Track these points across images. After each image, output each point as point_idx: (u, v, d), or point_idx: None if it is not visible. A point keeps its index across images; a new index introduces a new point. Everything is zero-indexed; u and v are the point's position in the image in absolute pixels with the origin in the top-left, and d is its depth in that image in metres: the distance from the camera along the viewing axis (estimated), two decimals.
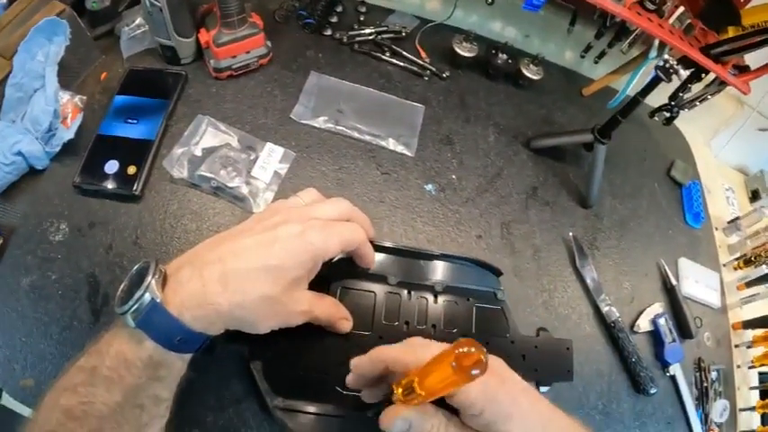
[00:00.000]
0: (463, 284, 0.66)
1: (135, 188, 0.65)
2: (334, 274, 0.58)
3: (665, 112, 0.92)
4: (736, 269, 0.96)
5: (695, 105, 0.91)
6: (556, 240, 0.80)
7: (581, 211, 0.85)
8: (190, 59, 0.79)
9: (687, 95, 0.90)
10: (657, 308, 0.82)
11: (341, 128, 0.77)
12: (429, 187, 0.77)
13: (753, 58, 0.80)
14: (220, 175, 0.68)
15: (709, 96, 0.89)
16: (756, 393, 0.86)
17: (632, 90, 0.81)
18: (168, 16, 0.70)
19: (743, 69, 0.86)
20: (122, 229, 0.64)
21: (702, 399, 0.80)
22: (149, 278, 0.40)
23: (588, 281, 0.78)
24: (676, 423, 0.76)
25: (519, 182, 0.82)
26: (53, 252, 0.60)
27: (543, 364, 0.67)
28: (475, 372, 0.34)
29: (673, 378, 0.79)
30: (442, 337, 0.54)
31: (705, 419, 0.79)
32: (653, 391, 0.74)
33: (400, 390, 0.39)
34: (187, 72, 0.77)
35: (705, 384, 0.82)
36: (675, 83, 0.86)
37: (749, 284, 0.93)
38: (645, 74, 0.82)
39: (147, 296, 0.40)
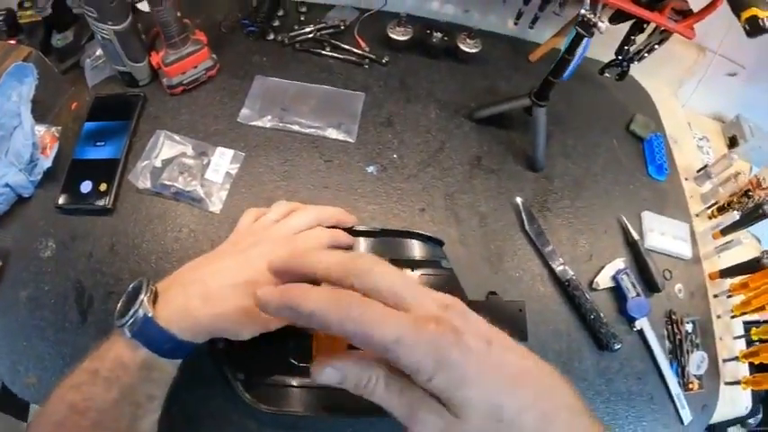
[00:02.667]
0: (406, 257, 0.70)
1: (107, 203, 0.74)
2: None
3: (615, 68, 0.93)
4: (710, 218, 0.97)
5: (644, 57, 0.92)
6: (503, 206, 0.83)
7: (530, 175, 0.88)
8: (147, 80, 0.87)
9: (633, 48, 0.91)
10: (619, 263, 0.84)
11: (284, 124, 0.84)
12: (371, 168, 0.82)
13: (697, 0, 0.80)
14: (178, 181, 0.76)
15: (656, 46, 0.90)
16: (742, 343, 0.87)
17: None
18: (119, 46, 0.79)
19: (686, 13, 0.85)
20: (100, 239, 0.73)
21: (676, 352, 0.82)
22: (142, 296, 0.48)
23: (538, 243, 0.79)
24: (648, 377, 0.77)
25: (462, 153, 0.86)
26: (44, 266, 0.70)
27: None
28: None
29: (641, 332, 0.80)
30: None
31: (682, 372, 0.80)
32: (617, 346, 0.76)
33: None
34: (145, 93, 0.86)
35: (679, 337, 0.82)
36: (620, 36, 0.87)
37: (724, 232, 0.93)
38: None
39: (141, 311, 0.48)
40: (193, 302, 0.49)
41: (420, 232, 0.72)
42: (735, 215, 0.91)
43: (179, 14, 0.79)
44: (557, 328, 0.76)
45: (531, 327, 0.73)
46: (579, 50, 0.79)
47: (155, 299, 0.49)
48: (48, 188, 0.75)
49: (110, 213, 0.74)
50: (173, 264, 0.71)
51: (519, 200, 0.82)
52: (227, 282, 0.51)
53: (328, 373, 0.36)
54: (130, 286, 0.51)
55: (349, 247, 0.66)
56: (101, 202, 0.73)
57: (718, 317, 0.88)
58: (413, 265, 0.69)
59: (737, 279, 0.87)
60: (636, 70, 1.01)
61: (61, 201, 0.74)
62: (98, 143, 0.79)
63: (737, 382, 0.82)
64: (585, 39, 0.74)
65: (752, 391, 0.83)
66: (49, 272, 0.69)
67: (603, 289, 0.81)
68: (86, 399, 0.47)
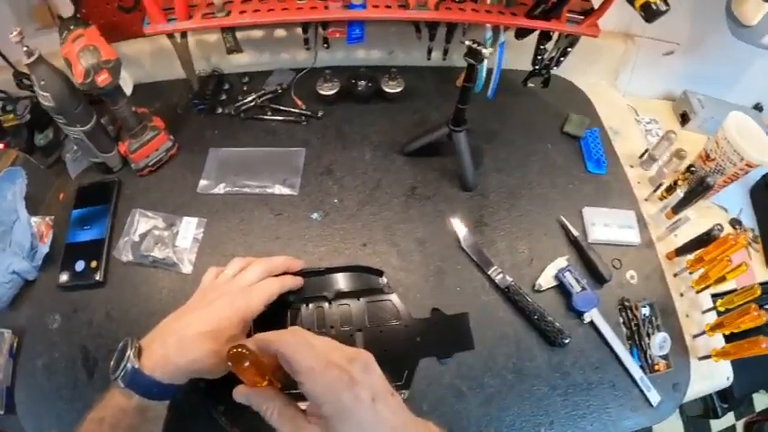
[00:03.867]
0: (351, 289, 0.83)
1: (98, 277, 0.87)
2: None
3: (537, 77, 0.99)
4: (661, 199, 1.00)
5: (561, 61, 0.99)
6: (440, 229, 0.92)
7: (464, 195, 0.97)
8: (119, 167, 1.01)
9: (546, 56, 0.97)
10: (561, 262, 0.90)
11: (237, 188, 0.97)
12: (315, 215, 0.93)
13: None
14: (154, 251, 0.90)
15: (568, 49, 0.96)
16: (713, 316, 0.89)
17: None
18: (89, 143, 0.93)
19: (587, 13, 0.90)
20: (97, 308, 0.85)
21: (635, 337, 0.85)
22: (129, 352, 0.60)
23: (475, 257, 0.86)
24: (607, 366, 0.82)
25: (397, 187, 0.96)
26: (53, 337, 0.83)
27: (441, 340, 0.81)
28: (246, 364, 0.52)
29: (593, 324, 0.85)
30: (340, 336, 0.76)
31: (644, 356, 0.84)
32: (566, 341, 0.82)
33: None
34: (119, 177, 1.00)
35: (635, 322, 0.86)
36: (529, 49, 0.93)
37: (675, 210, 0.97)
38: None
39: (129, 365, 0.59)
40: (171, 351, 0.61)
41: (360, 265, 0.84)
42: (679, 194, 0.94)
43: (134, 110, 0.93)
44: (503, 332, 0.83)
45: (477, 334, 0.81)
46: (495, 74, 0.86)
47: (139, 353, 0.61)
48: (48, 270, 0.88)
49: (102, 286, 0.87)
50: (158, 321, 0.78)
51: (453, 220, 0.90)
52: (199, 330, 0.63)
53: (240, 398, 0.55)
54: (120, 345, 0.63)
55: (299, 289, 0.78)
56: (94, 278, 0.87)
57: (681, 294, 0.91)
58: (358, 294, 0.81)
59: (693, 255, 0.90)
60: (567, 70, 1.07)
61: (61, 280, 0.87)
62: (85, 227, 0.93)
63: (710, 356, 0.85)
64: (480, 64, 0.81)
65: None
66: (58, 341, 0.82)
67: (547, 289, 0.87)
68: None
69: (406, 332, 0.79)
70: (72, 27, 0.87)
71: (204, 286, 0.73)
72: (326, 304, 0.79)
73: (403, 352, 0.78)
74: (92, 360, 0.79)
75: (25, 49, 0.76)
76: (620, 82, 1.19)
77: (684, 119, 1.17)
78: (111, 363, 0.61)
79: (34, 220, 0.90)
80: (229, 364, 0.51)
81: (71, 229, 0.93)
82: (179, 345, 0.62)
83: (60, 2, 0.99)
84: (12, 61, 1.02)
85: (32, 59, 0.78)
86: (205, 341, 0.62)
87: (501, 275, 0.86)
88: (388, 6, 0.87)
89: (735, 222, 1.10)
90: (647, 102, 1.20)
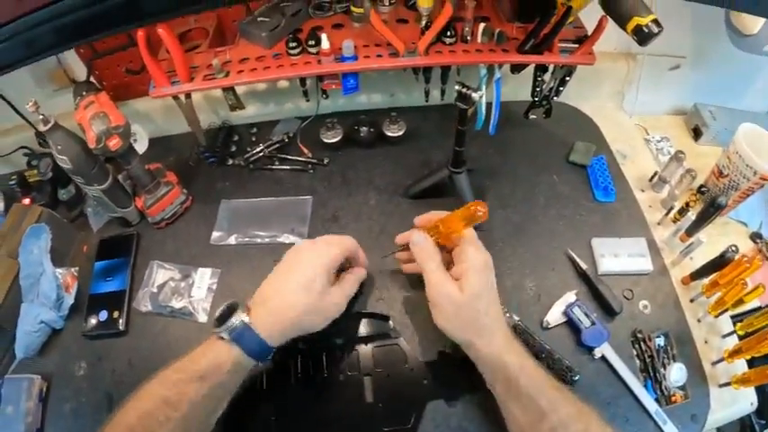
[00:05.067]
0: (360, 333, 0.87)
1: (121, 327, 0.93)
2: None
3: (538, 108, 1.00)
4: (674, 221, 0.99)
5: (560, 91, 0.99)
6: None
7: None
8: (137, 220, 1.08)
9: (545, 86, 0.98)
10: (570, 297, 0.90)
11: (248, 239, 1.02)
12: None
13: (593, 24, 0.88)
14: (171, 301, 0.95)
15: (567, 78, 0.96)
16: (734, 340, 0.87)
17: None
18: (107, 200, 1.00)
19: (581, 40, 0.91)
20: (120, 357, 0.91)
21: (648, 369, 0.84)
22: (239, 310, 0.69)
23: None
24: (621, 401, 0.81)
25: (402, 230, 0.96)
26: (80, 384, 0.89)
27: (449, 383, 0.82)
28: (479, 213, 0.70)
29: (604, 359, 0.84)
30: (349, 382, 0.80)
31: (660, 388, 0.83)
32: (576, 378, 0.82)
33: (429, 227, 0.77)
34: (138, 231, 1.06)
35: (649, 354, 0.85)
36: (528, 78, 0.94)
37: (689, 233, 0.96)
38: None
39: (239, 321, 0.67)
40: (274, 310, 0.70)
41: (367, 312, 0.88)
42: (691, 216, 0.93)
43: (147, 167, 1.00)
44: None
45: None
46: (494, 110, 0.88)
47: (248, 312, 0.69)
48: (75, 320, 0.95)
49: (124, 335, 0.92)
50: None
51: None
52: (292, 287, 0.72)
53: (417, 234, 0.76)
54: (225, 305, 0.71)
55: (309, 337, 0.80)
56: (116, 327, 0.93)
57: (699, 320, 0.90)
58: (365, 340, 0.85)
59: (708, 279, 0.89)
60: (570, 96, 1.07)
61: (86, 329, 0.93)
62: (108, 278, 0.99)
63: (730, 383, 0.83)
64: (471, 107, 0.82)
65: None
66: (84, 387, 0.88)
67: (556, 326, 0.88)
68: (180, 393, 0.64)
69: (414, 376, 0.82)
70: (84, 93, 0.95)
71: (288, 254, 0.79)
72: (336, 351, 0.83)
73: (410, 395, 0.80)
74: (116, 406, 0.83)
75: (41, 117, 0.84)
76: (626, 102, 1.19)
77: (697, 133, 1.15)
78: (216, 316, 0.69)
79: (60, 271, 0.97)
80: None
81: (94, 280, 1.00)
82: (279, 303, 0.71)
83: (75, 64, 1.07)
84: (32, 122, 1.10)
85: (48, 127, 0.85)
86: (300, 295, 0.71)
87: (507, 315, 0.87)
88: (380, 56, 0.91)
89: (755, 237, 1.07)
90: (657, 119, 1.18)
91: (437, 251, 0.75)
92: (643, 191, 1.04)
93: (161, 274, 0.99)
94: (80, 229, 1.09)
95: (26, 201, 1.10)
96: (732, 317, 0.90)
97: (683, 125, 1.20)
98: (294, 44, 0.90)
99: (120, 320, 0.93)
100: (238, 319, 0.67)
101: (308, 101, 1.05)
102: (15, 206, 1.04)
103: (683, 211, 0.97)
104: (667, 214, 0.99)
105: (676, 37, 0.91)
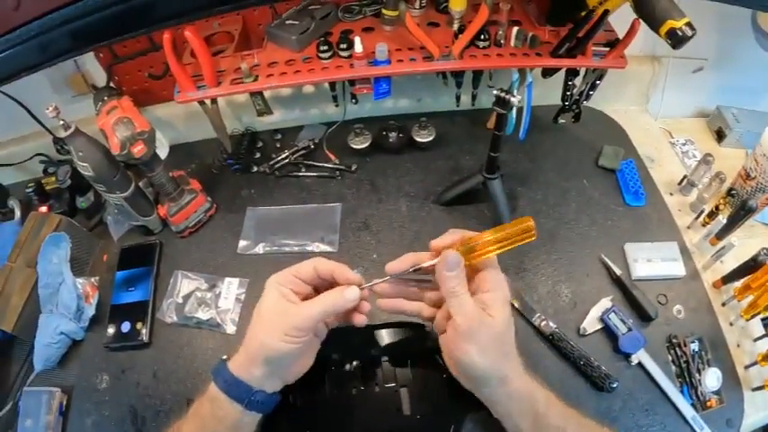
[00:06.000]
0: (397, 344, 0.83)
1: (145, 339, 0.91)
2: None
3: (567, 112, 1.00)
4: (704, 225, 0.99)
5: (590, 95, 0.99)
6: None
7: None
8: (160, 229, 1.06)
9: (575, 90, 0.97)
10: (606, 303, 0.89)
11: (276, 248, 1.00)
12: (355, 272, 0.92)
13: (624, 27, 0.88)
14: (198, 312, 0.93)
15: (597, 82, 0.96)
16: (766, 343, 0.86)
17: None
18: (129, 208, 0.97)
19: (614, 44, 0.91)
20: (144, 369, 0.89)
21: (684, 374, 0.84)
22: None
23: (517, 304, 0.87)
24: (658, 407, 0.81)
25: (436, 237, 0.94)
26: (102, 396, 0.87)
27: None
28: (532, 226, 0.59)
29: (641, 365, 0.84)
30: (385, 393, 0.77)
31: (696, 393, 0.82)
32: (614, 385, 0.81)
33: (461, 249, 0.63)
34: (161, 240, 1.04)
35: (684, 359, 0.85)
36: (556, 83, 0.94)
37: (719, 237, 0.95)
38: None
39: (220, 359, 0.64)
40: (245, 349, 0.63)
41: (402, 321, 0.83)
42: (722, 219, 0.93)
43: (171, 174, 0.98)
44: (550, 380, 0.80)
45: None
46: (525, 115, 0.88)
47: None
48: (96, 331, 0.93)
49: (148, 347, 0.91)
50: (203, 382, 0.80)
51: None
52: (262, 325, 0.63)
53: (452, 255, 0.61)
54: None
55: (343, 346, 0.79)
56: (140, 339, 0.91)
57: (731, 324, 0.90)
58: (402, 351, 0.81)
59: (740, 282, 0.89)
60: (597, 100, 1.07)
61: (108, 341, 0.91)
62: (130, 288, 0.97)
63: (763, 387, 0.83)
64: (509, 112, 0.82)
65: None
66: (107, 400, 0.86)
67: (593, 332, 0.87)
68: None
69: (451, 387, 0.81)
70: (106, 98, 0.92)
71: None
72: (371, 362, 0.80)
73: (449, 406, 0.78)
74: (140, 420, 0.83)
75: (62, 123, 0.81)
76: (651, 105, 1.19)
77: (720, 135, 1.15)
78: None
79: (79, 281, 0.95)
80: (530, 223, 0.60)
81: (116, 290, 0.97)
82: (249, 336, 0.64)
83: (94, 70, 1.05)
84: (50, 128, 1.09)
85: (69, 132, 0.82)
86: (270, 331, 0.62)
87: (545, 322, 0.86)
88: (413, 59, 0.89)
89: None
90: (679, 122, 1.19)
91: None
92: (672, 194, 1.04)
93: (186, 284, 0.96)
94: (100, 238, 1.07)
95: (43, 209, 1.07)
96: (762, 320, 0.90)
97: (706, 128, 1.20)
98: (325, 47, 0.89)
99: (144, 331, 0.91)
100: (221, 357, 0.64)
101: (336, 106, 1.04)
102: (33, 214, 1.01)
103: (712, 215, 0.97)
104: (697, 218, 0.99)
105: (700, 39, 0.90)
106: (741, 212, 0.89)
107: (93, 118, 0.93)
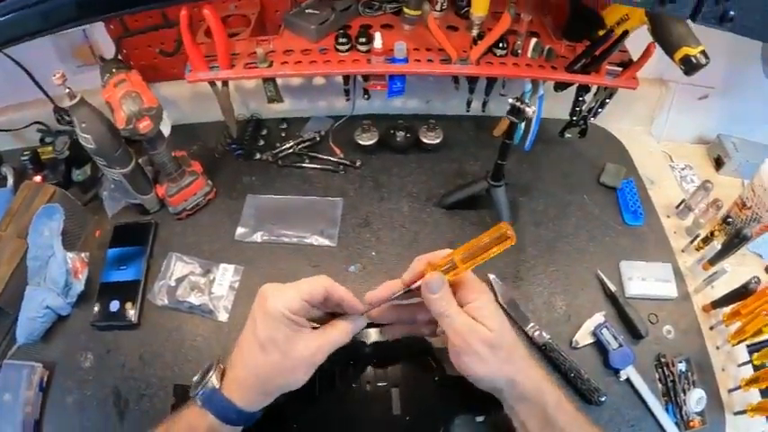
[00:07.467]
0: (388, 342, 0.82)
1: (133, 319, 0.90)
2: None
3: (574, 127, 1.02)
4: (697, 249, 1.01)
5: (598, 112, 1.00)
6: None
7: None
8: (156, 208, 1.05)
9: (584, 107, 0.99)
10: (599, 318, 0.91)
11: (275, 237, 1.00)
12: (352, 268, 0.96)
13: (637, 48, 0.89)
14: (190, 297, 0.92)
15: (606, 100, 0.98)
16: (749, 369, 0.89)
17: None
18: (128, 185, 0.96)
19: (627, 64, 0.93)
20: (130, 350, 0.88)
21: (670, 393, 0.86)
22: (212, 372, 0.61)
23: (512, 313, 0.89)
24: (642, 423, 0.82)
25: (435, 240, 0.98)
26: (86, 375, 0.85)
27: (477, 397, 0.80)
28: (509, 234, 0.60)
29: (629, 381, 0.86)
30: (376, 393, 0.78)
31: (680, 413, 0.84)
32: (602, 399, 0.82)
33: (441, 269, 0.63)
34: (156, 220, 1.03)
35: (671, 378, 0.87)
36: (564, 98, 0.96)
37: (712, 262, 0.97)
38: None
39: (210, 384, 0.61)
40: (243, 373, 0.61)
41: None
42: (716, 245, 0.96)
43: (173, 154, 0.97)
44: None
45: None
46: (533, 127, 0.89)
47: (222, 375, 0.62)
48: (83, 308, 0.91)
49: (136, 328, 0.89)
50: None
51: (491, 276, 0.93)
52: (253, 346, 0.61)
53: (435, 278, 0.62)
54: (206, 365, 0.64)
55: None
56: (128, 319, 0.89)
57: (717, 348, 0.92)
58: (394, 349, 0.82)
59: (729, 308, 0.91)
60: (601, 118, 1.08)
61: (95, 319, 0.90)
62: (121, 267, 0.96)
63: (745, 411, 0.85)
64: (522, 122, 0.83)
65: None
66: (90, 380, 0.84)
67: (585, 345, 0.88)
68: None
69: (443, 389, 0.81)
70: (114, 70, 0.91)
71: (256, 298, 0.69)
72: (363, 359, 0.80)
73: (438, 408, 0.79)
74: (123, 402, 0.82)
75: (68, 91, 0.79)
76: (654, 127, 1.21)
77: (719, 163, 1.18)
78: (194, 379, 0.63)
79: (69, 255, 0.93)
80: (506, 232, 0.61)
81: (107, 268, 0.96)
82: (241, 367, 0.62)
83: (102, 41, 1.03)
84: (52, 96, 1.07)
85: (74, 102, 0.81)
86: (258, 356, 0.60)
87: (538, 332, 0.87)
88: (430, 60, 0.90)
89: None
90: (680, 146, 1.21)
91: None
92: (669, 217, 1.06)
93: (180, 267, 0.95)
94: (93, 213, 1.05)
95: (37, 178, 1.06)
96: (748, 346, 0.93)
97: (705, 154, 1.22)
98: (344, 40, 0.89)
99: (133, 312, 0.89)
100: (210, 381, 0.61)
101: (347, 100, 1.04)
102: (27, 183, 0.99)
103: (707, 240, 0.99)
104: (692, 242, 1.01)
105: (709, 67, 0.93)
106: (736, 240, 0.90)
107: (97, 90, 0.91)
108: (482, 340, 0.61)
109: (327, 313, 0.69)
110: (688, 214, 1.06)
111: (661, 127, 1.20)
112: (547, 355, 0.86)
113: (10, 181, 1.08)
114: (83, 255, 0.96)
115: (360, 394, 0.78)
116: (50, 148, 1.07)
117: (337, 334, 0.65)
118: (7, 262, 0.90)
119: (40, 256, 0.90)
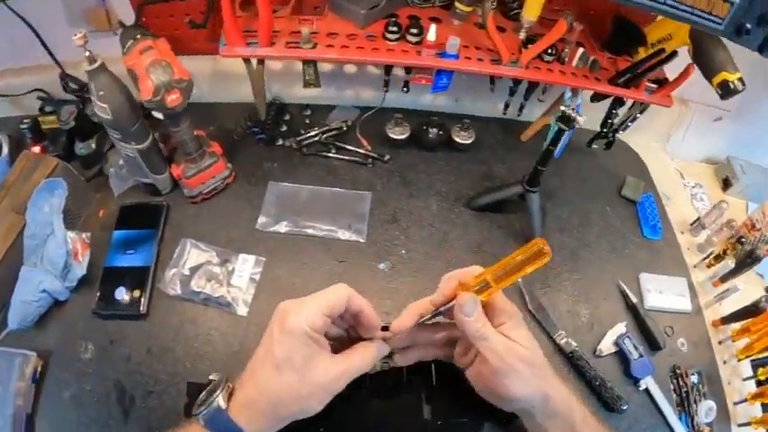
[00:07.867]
0: None
1: (141, 309, 0.84)
2: None
3: (602, 139, 1.03)
4: (709, 266, 1.04)
5: (628, 126, 1.02)
6: (506, 289, 0.91)
7: None
8: (168, 189, 0.98)
9: (616, 120, 1.01)
10: (621, 328, 0.92)
11: (299, 229, 0.95)
12: (382, 266, 0.93)
13: (672, 67, 0.90)
14: (207, 288, 0.87)
15: (638, 115, 1.00)
16: (753, 383, 0.92)
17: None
18: (142, 162, 0.89)
19: (662, 83, 0.94)
20: (136, 342, 0.82)
21: (684, 404, 0.88)
22: (219, 391, 0.56)
23: (541, 319, 0.89)
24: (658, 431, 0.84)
25: (464, 242, 0.96)
26: (85, 367, 0.79)
27: None
28: (546, 250, 0.56)
29: (647, 390, 0.88)
30: (407, 398, 0.74)
31: (691, 423, 0.87)
32: (624, 407, 0.84)
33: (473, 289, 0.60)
34: (168, 202, 0.96)
35: (685, 389, 0.89)
36: (603, 106, 0.96)
37: (723, 279, 1.00)
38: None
39: (216, 404, 0.56)
40: (254, 395, 0.57)
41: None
42: (729, 264, 0.99)
43: (195, 133, 0.90)
44: None
45: None
46: (564, 138, 0.89)
47: (230, 395, 0.57)
48: (83, 293, 0.85)
49: (144, 318, 0.83)
50: (206, 365, 0.80)
51: (520, 281, 0.92)
52: (268, 367, 0.56)
53: (469, 300, 0.59)
54: (215, 380, 0.59)
55: None
56: (136, 309, 0.83)
57: (725, 362, 0.95)
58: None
59: (739, 324, 0.94)
60: (625, 133, 1.10)
61: (97, 307, 0.83)
62: (128, 251, 0.89)
63: (749, 423, 0.88)
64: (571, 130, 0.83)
65: None
66: (90, 373, 0.78)
67: (607, 354, 0.89)
68: None
69: (473, 393, 0.80)
70: (138, 36, 0.84)
71: (273, 315, 0.64)
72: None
73: (470, 414, 0.75)
74: (128, 398, 0.76)
75: (87, 54, 0.73)
76: (670, 145, 1.25)
77: (726, 184, 1.23)
78: (200, 396, 0.58)
79: (70, 235, 0.86)
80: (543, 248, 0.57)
81: (112, 251, 0.89)
82: (253, 389, 0.57)
83: (120, 6, 0.96)
84: (60, 61, 0.98)
85: (94, 66, 0.74)
86: (272, 379, 0.56)
87: (565, 340, 0.87)
88: (480, 59, 0.88)
89: None
90: (690, 164, 1.25)
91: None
92: (683, 233, 1.09)
93: (195, 255, 0.90)
94: (96, 191, 0.98)
95: (36, 149, 0.98)
96: (752, 361, 0.96)
97: (713, 174, 1.27)
98: (395, 29, 0.86)
99: (143, 301, 0.84)
100: (216, 401, 0.55)
101: (386, 91, 1.00)
102: (26, 153, 0.92)
103: (718, 258, 1.03)
104: (704, 259, 1.05)
105: None
106: (748, 260, 0.94)
107: (110, 60, 0.85)
108: (521, 359, 0.59)
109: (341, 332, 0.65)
110: (701, 231, 1.09)
111: (677, 145, 1.23)
112: (573, 363, 0.86)
113: (5, 150, 0.99)
114: (84, 235, 0.89)
115: (389, 398, 0.75)
116: (52, 118, 0.99)
117: (360, 360, 0.60)
118: (1, 239, 0.83)
119: (37, 234, 0.84)
